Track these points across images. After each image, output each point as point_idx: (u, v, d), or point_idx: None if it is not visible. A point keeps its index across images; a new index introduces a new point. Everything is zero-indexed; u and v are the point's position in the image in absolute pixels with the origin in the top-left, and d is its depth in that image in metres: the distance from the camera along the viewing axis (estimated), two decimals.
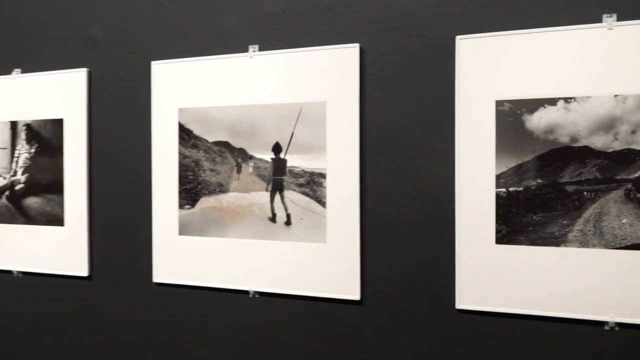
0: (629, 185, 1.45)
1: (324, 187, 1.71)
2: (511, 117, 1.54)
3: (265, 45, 1.80)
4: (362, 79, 1.67)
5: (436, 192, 1.62)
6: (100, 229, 2.06)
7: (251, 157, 1.80)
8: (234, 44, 1.84)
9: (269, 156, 1.78)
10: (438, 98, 1.61)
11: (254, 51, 1.80)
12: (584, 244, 1.48)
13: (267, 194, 1.79)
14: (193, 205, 1.88)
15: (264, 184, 1.79)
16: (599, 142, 1.47)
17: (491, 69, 1.55)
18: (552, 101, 1.50)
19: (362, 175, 1.68)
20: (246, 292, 1.83)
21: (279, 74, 1.76)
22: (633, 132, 1.44)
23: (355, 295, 1.68)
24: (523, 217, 1.54)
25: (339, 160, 1.68)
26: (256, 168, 1.80)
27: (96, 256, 2.07)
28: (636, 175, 1.45)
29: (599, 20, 1.47)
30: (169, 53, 1.93)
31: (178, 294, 1.93)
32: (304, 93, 1.72)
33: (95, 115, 2.06)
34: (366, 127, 1.68)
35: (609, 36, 1.46)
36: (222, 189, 1.85)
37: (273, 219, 1.78)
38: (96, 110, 2.06)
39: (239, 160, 1.82)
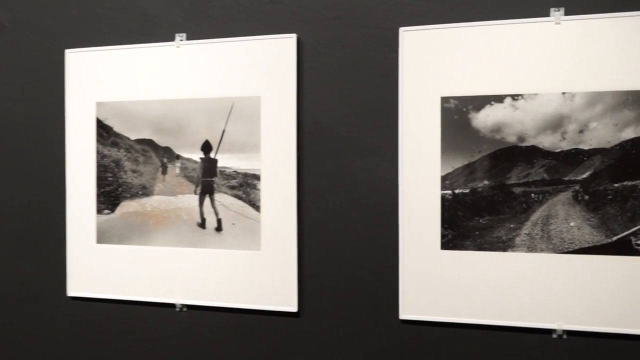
0: (577, 187, 1.43)
1: (258, 190, 1.61)
2: (457, 114, 1.48)
3: (194, 34, 1.68)
4: (299, 72, 1.59)
5: (378, 194, 1.55)
6: (5, 237, 1.88)
7: (178, 157, 1.68)
8: (159, 32, 1.72)
9: (197, 156, 1.67)
10: (380, 94, 1.55)
11: (181, 40, 1.69)
12: (531, 248, 1.45)
13: (196, 197, 1.67)
14: (113, 210, 1.74)
15: (192, 187, 1.68)
16: (547, 141, 1.44)
17: (436, 63, 1.50)
18: (499, 98, 1.46)
19: (299, 177, 1.60)
20: (173, 306, 1.71)
21: (209, 65, 1.65)
22: (581, 132, 1.42)
23: (292, 307, 1.60)
24: (469, 221, 1.48)
25: (275, 161, 1.59)
26: (183, 169, 1.68)
27: (1, 268, 1.88)
28: (584, 176, 1.42)
29: (547, 14, 1.44)
30: (86, 40, 1.78)
31: (96, 309, 1.78)
32: (236, 87, 1.63)
33: (1, 109, 1.87)
34: (304, 124, 1.60)
35: (557, 31, 1.43)
36: (145, 191, 1.72)
37: (202, 224, 1.66)
38: (1, 103, 1.87)
39: (165, 160, 1.69)
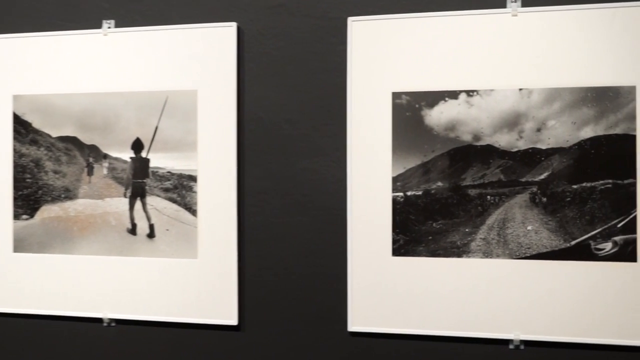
0: (534, 189, 1.37)
1: (195, 192, 1.51)
2: (409, 111, 1.41)
3: (123, 21, 1.57)
4: (239, 64, 1.50)
5: (325, 197, 1.48)
6: None
7: (105, 156, 1.57)
8: (84, 18, 1.59)
9: (127, 155, 1.56)
10: (327, 88, 1.47)
11: (109, 27, 1.57)
12: (487, 254, 1.38)
13: (126, 201, 1.56)
14: (32, 215, 1.61)
15: (122, 189, 1.57)
16: (503, 140, 1.38)
17: (387, 56, 1.42)
18: (453, 94, 1.39)
19: (239, 178, 1.50)
20: (100, 320, 1.58)
21: (140, 56, 1.54)
22: (538, 130, 1.36)
23: (232, 320, 1.50)
24: (422, 225, 1.41)
25: (213, 160, 1.50)
26: (112, 169, 1.57)
27: None
28: (541, 177, 1.37)
29: (504, 5, 1.38)
30: (1, 27, 1.64)
31: (14, 325, 1.65)
32: (170, 79, 1.53)
33: None
34: (244, 121, 1.51)
35: (514, 23, 1.37)
36: (69, 194, 1.59)
37: (133, 230, 1.55)
38: None
39: (90, 159, 1.58)
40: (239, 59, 1.48)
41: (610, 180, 1.33)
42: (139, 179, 1.53)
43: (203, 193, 1.49)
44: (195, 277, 1.50)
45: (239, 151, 1.49)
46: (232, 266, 1.48)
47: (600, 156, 1.33)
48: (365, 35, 1.42)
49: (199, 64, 1.49)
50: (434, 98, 1.39)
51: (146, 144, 1.52)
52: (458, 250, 1.39)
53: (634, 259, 1.32)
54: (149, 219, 1.53)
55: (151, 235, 1.53)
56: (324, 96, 1.46)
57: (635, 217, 1.31)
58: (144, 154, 1.53)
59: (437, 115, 1.39)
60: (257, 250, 1.49)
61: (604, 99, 1.32)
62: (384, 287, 1.42)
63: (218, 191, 1.48)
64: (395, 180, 1.41)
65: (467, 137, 1.38)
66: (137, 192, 1.53)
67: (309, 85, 1.47)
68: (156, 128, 1.52)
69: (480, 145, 1.38)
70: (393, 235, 1.41)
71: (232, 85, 1.47)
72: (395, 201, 1.41)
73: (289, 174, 1.48)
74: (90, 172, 1.56)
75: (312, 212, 1.47)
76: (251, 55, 1.49)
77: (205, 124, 1.49)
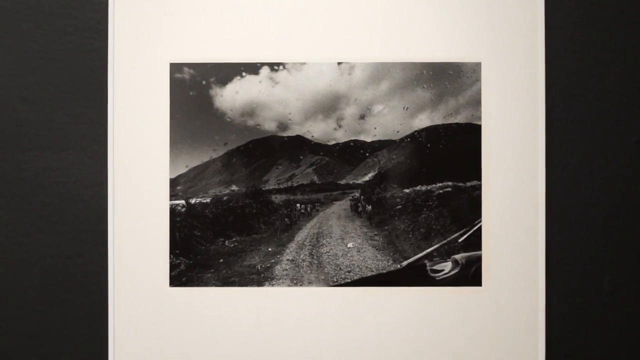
0: (357, 194, 1.09)
1: None
2: (194, 89, 1.08)
3: None
4: None
5: (78, 207, 1.10)
6: None
7: None
8: None
9: None
10: (81, 56, 1.09)
11: None
12: (297, 280, 1.08)
13: None
14: None
15: None
16: (318, 130, 1.08)
17: (164, 14, 1.08)
18: (253, 68, 1.07)
19: None
20: None
21: None
22: (362, 117, 1.08)
23: None
24: (211, 244, 1.09)
25: None
26: None
27: None
28: (366, 179, 1.09)
29: None
30: None
31: None
32: None
33: None
34: None
35: None
36: None
37: None
38: None
39: None
40: None
41: (450, 183, 1.06)
42: None
43: None
44: None
45: None
46: None
47: (439, 152, 1.06)
48: None
49: None
50: (227, 72, 1.06)
51: None
52: (259, 277, 1.07)
53: (478, 283, 1.05)
54: None
55: None
56: (77, 67, 1.08)
57: (479, 230, 1.05)
58: None
59: (232, 96, 1.06)
60: None
61: (443, 78, 1.05)
62: (160, 328, 1.07)
63: None
64: (174, 183, 1.06)
65: (270, 126, 1.07)
66: None
67: (54, 51, 1.08)
68: None
69: (288, 137, 1.07)
70: (171, 258, 1.06)
71: None
72: (174, 212, 1.06)
73: (24, 175, 1.08)
74: None
75: (59, 228, 1.08)
76: None
77: None
